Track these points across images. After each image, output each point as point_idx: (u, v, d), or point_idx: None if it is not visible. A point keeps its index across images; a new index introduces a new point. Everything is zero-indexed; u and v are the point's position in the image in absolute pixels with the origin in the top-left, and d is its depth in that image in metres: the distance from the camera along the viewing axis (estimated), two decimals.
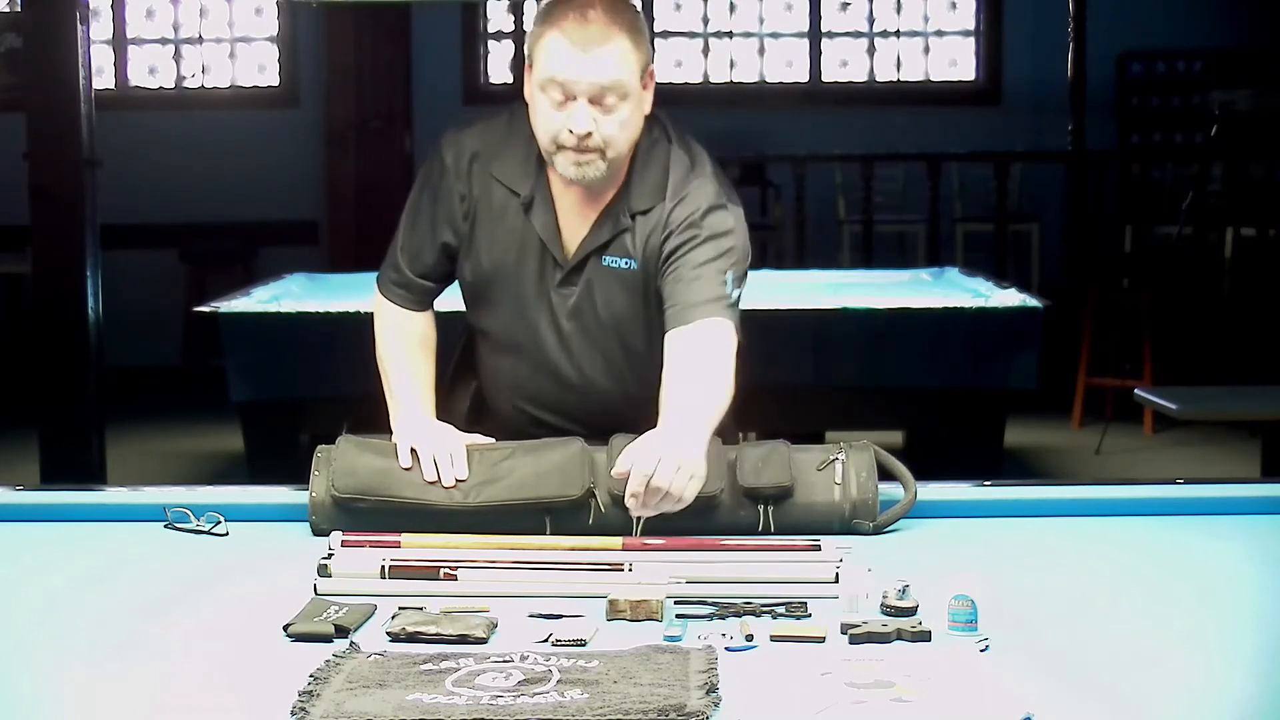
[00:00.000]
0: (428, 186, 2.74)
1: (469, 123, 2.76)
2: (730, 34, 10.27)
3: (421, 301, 2.79)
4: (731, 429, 2.82)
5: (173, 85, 10.11)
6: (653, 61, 2.61)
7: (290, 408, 5.50)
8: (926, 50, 10.26)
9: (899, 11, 10.25)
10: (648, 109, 2.62)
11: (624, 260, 2.65)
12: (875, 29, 10.25)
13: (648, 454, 2.29)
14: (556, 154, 2.57)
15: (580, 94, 2.52)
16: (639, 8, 2.65)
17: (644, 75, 2.58)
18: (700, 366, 2.49)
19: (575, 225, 2.67)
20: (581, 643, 1.98)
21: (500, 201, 2.68)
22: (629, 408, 2.64)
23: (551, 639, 1.99)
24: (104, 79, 9.77)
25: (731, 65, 10.25)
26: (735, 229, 2.62)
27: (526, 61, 2.61)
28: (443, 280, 2.80)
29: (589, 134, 2.53)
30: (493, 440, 2.68)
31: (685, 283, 2.56)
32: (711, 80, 10.27)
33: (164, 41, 10.12)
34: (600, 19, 2.53)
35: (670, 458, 2.28)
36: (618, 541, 2.39)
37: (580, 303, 2.68)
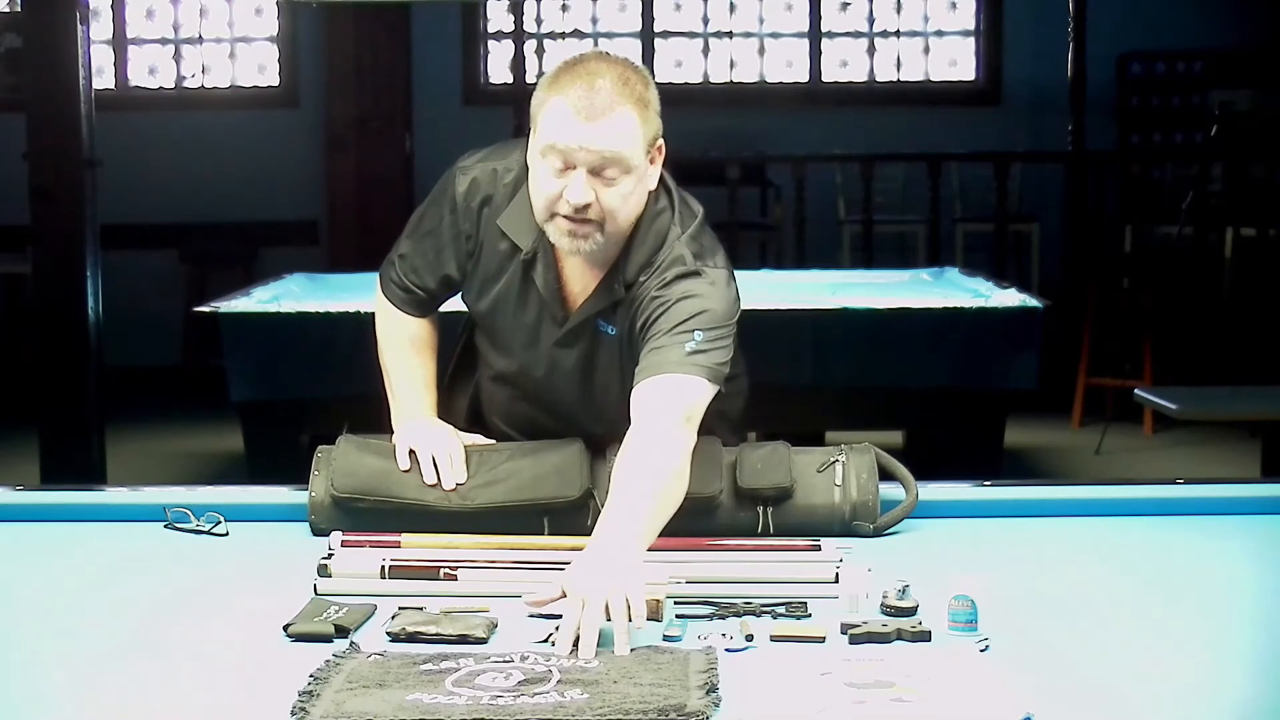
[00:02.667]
0: (437, 208, 2.66)
1: (487, 152, 2.66)
2: (730, 34, 10.27)
3: (422, 309, 2.75)
4: (734, 432, 2.82)
5: (173, 85, 10.11)
6: (661, 134, 2.49)
7: (290, 408, 5.50)
8: (926, 50, 10.25)
9: (899, 11, 10.24)
10: (653, 184, 2.51)
11: (611, 327, 2.58)
12: (875, 29, 10.24)
13: (573, 598, 2.02)
14: (550, 221, 2.47)
15: (580, 163, 2.41)
16: (650, 80, 2.49)
17: (650, 149, 2.47)
18: (642, 446, 2.31)
19: (578, 286, 2.59)
20: None
21: (504, 251, 2.60)
22: (618, 440, 2.62)
23: (551, 639, 1.99)
24: (104, 79, 9.76)
25: (731, 65, 10.24)
26: (707, 293, 2.48)
27: (531, 125, 2.48)
28: (443, 297, 2.75)
29: (587, 205, 2.42)
30: (492, 441, 2.68)
31: (653, 351, 2.43)
32: (711, 80, 10.26)
33: (164, 41, 10.12)
34: (608, 88, 2.40)
35: (597, 597, 2.00)
36: None
37: (576, 359, 2.63)
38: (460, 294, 2.73)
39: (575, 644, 1.96)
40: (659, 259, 2.52)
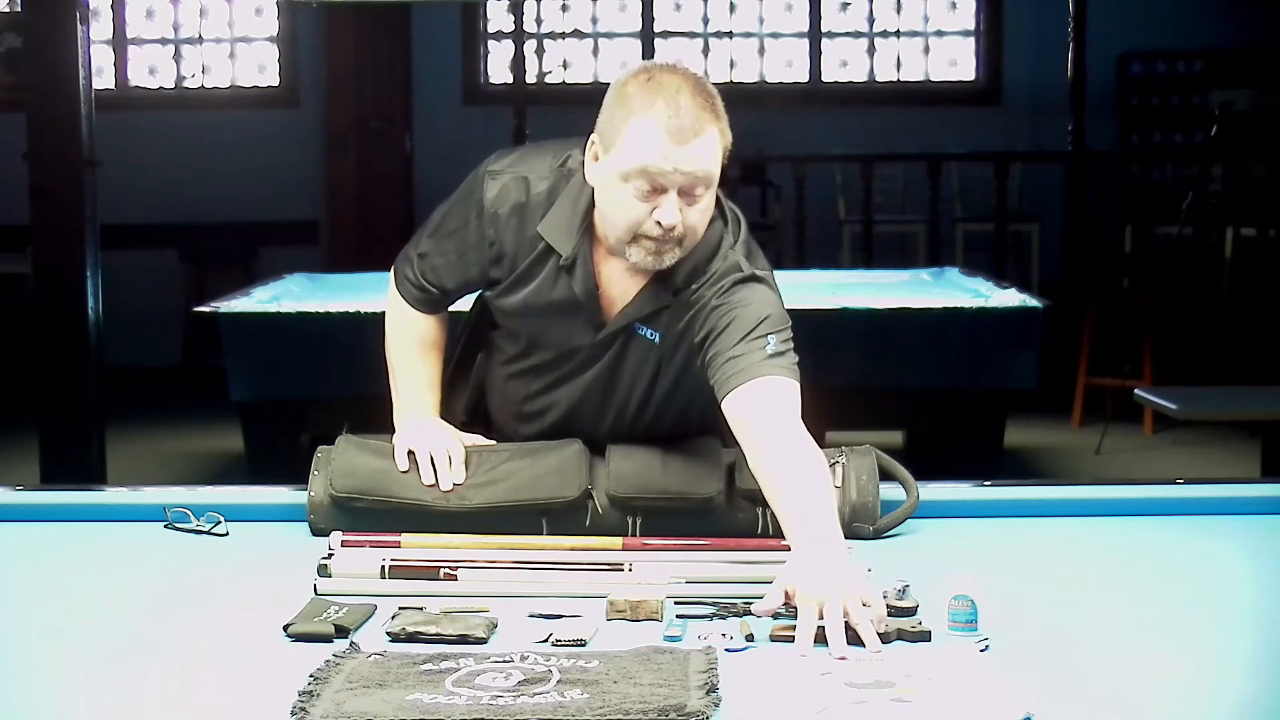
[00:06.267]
0: (462, 211, 2.63)
1: (517, 157, 2.62)
2: (730, 34, 10.27)
3: (434, 307, 2.74)
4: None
5: (173, 85, 10.11)
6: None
7: (290, 408, 5.51)
8: (926, 50, 10.26)
9: (899, 11, 10.24)
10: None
11: (651, 331, 2.56)
12: (875, 29, 10.24)
13: (810, 605, 1.99)
14: (633, 244, 2.44)
15: (672, 186, 2.38)
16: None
17: (724, 159, 2.48)
18: (786, 452, 2.31)
19: (618, 293, 2.56)
20: (581, 643, 1.98)
21: (539, 255, 2.57)
22: (629, 441, 2.62)
23: (551, 639, 1.99)
24: (104, 79, 9.77)
25: (731, 65, 10.25)
26: (767, 298, 2.50)
27: (598, 144, 2.46)
28: (459, 296, 2.74)
29: (674, 226, 2.41)
30: (492, 442, 2.68)
31: (733, 359, 2.42)
32: (711, 80, 10.25)
33: (164, 41, 10.13)
34: (691, 106, 2.39)
35: (834, 596, 1.99)
36: (618, 541, 2.40)
37: (608, 364, 2.61)
38: (481, 290, 2.71)
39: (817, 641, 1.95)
40: (714, 267, 2.52)
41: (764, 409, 2.38)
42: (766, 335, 2.44)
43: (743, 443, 2.39)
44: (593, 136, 2.49)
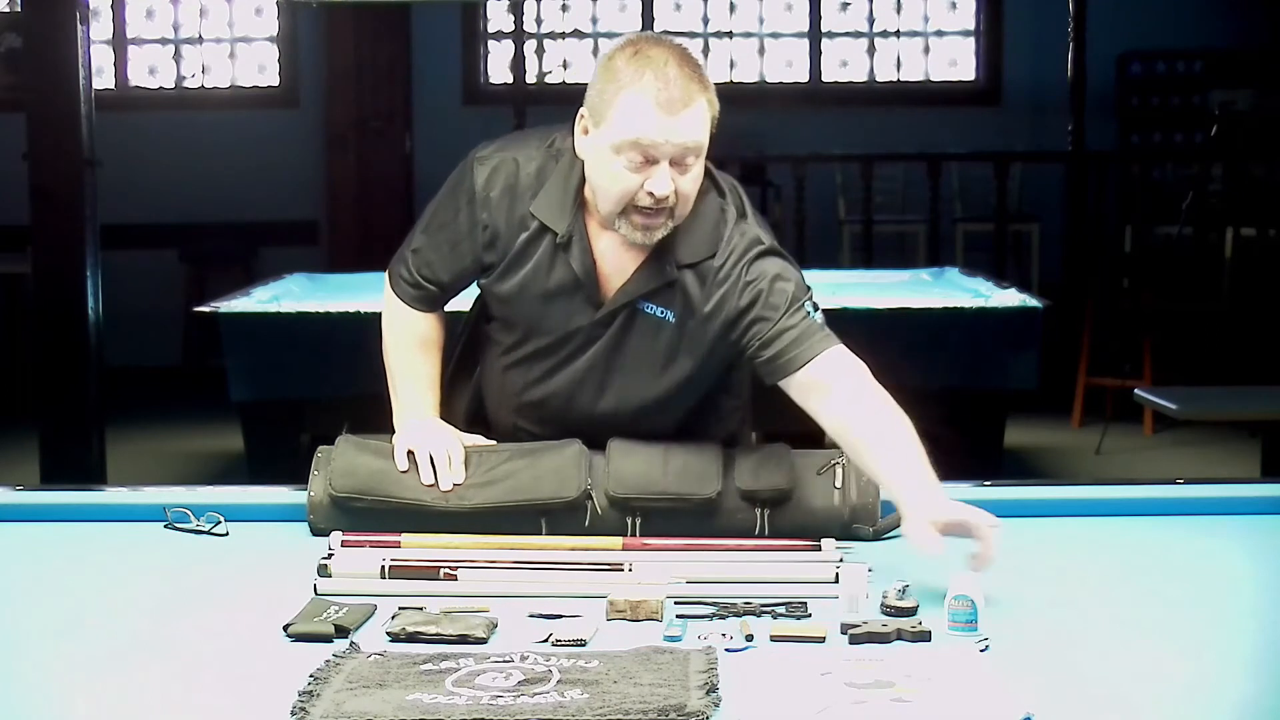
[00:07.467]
0: (452, 200, 2.64)
1: (502, 143, 2.64)
2: (730, 34, 10.27)
3: (431, 304, 2.73)
4: (745, 421, 2.82)
5: (173, 85, 10.11)
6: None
7: (290, 408, 5.50)
8: (926, 50, 10.25)
9: (899, 11, 10.24)
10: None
11: (662, 310, 2.56)
12: (875, 29, 10.24)
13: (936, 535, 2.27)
14: (623, 216, 2.46)
15: (663, 157, 2.41)
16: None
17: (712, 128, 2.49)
18: (879, 417, 2.50)
19: (614, 269, 2.56)
20: (581, 643, 1.99)
21: (532, 235, 2.57)
22: (632, 433, 2.61)
23: (551, 639, 2.00)
24: (104, 79, 9.76)
25: (731, 65, 10.24)
26: (789, 269, 2.54)
27: (588, 117, 2.47)
28: (455, 291, 2.73)
29: (666, 195, 2.44)
30: (492, 442, 2.67)
31: (784, 333, 2.48)
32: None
33: (164, 41, 10.12)
34: (679, 77, 2.40)
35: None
36: (618, 541, 2.40)
37: (608, 344, 2.60)
38: (477, 280, 2.71)
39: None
40: (732, 242, 2.54)
41: (839, 379, 2.50)
42: (804, 307, 2.51)
43: (824, 414, 2.49)
44: (582, 110, 2.50)
